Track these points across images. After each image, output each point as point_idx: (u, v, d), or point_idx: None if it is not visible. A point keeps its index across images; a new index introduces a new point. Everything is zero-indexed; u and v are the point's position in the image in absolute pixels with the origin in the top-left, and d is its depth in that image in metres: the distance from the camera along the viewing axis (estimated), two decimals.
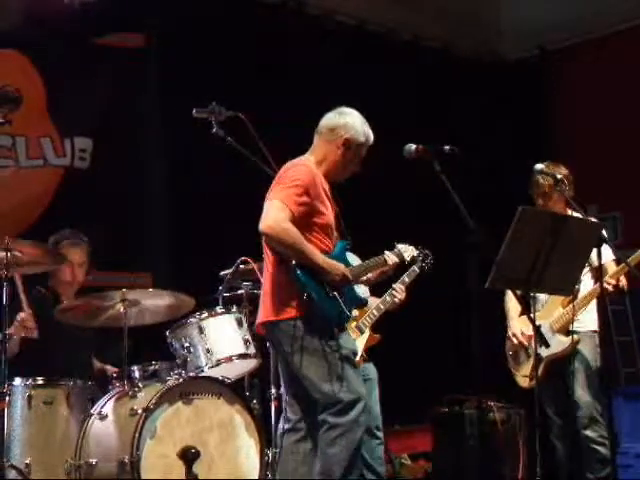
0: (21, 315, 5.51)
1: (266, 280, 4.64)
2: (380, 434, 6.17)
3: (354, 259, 6.05)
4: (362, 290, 5.82)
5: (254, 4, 7.72)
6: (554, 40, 9.08)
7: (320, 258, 4.51)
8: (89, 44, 7.08)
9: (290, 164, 4.67)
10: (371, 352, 6.17)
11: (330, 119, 4.76)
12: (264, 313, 4.63)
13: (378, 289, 6.27)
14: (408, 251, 5.52)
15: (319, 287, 4.49)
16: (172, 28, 7.23)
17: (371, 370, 6.19)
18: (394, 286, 6.16)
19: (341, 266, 4.61)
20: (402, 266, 6.01)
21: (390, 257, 5.20)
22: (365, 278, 5.24)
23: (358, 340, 6.09)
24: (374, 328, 6.16)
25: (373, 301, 6.22)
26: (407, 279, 6.16)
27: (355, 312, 6.12)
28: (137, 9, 7.12)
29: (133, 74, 7.29)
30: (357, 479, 4.59)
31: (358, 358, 6.06)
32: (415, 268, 6.16)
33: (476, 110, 8.67)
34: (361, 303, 5.12)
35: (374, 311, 6.14)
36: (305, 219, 4.52)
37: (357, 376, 4.62)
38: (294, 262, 4.46)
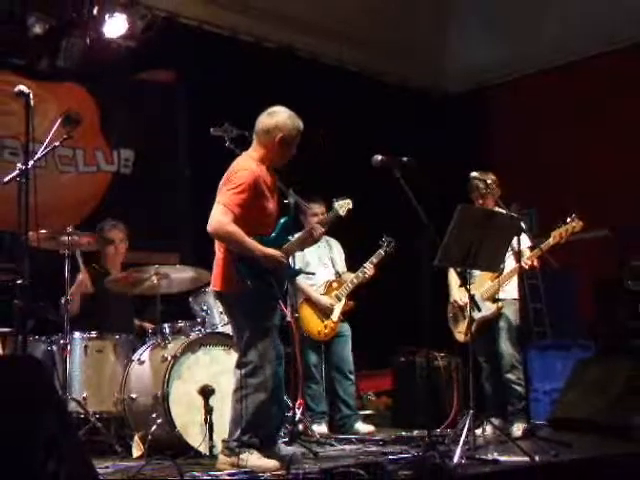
0: (79, 277, 5.57)
1: (218, 255, 4.35)
2: (352, 376, 6.19)
3: (339, 250, 6.09)
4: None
5: (258, 47, 7.71)
6: (488, 78, 9.04)
7: (258, 250, 4.18)
8: (132, 78, 7.08)
9: (234, 166, 4.33)
10: (345, 315, 6.20)
11: (263, 122, 4.35)
12: (214, 282, 4.39)
13: (352, 267, 6.30)
14: (344, 205, 5.26)
15: (258, 273, 4.20)
16: (195, 67, 7.22)
17: (346, 328, 6.22)
18: (365, 265, 6.17)
19: (276, 253, 4.24)
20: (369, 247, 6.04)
21: (317, 229, 4.66)
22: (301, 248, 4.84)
23: (337, 306, 6.12)
24: (349, 297, 6.18)
25: (348, 276, 6.24)
26: (375, 259, 6.17)
27: (335, 284, 6.14)
28: (168, 52, 7.10)
29: (166, 101, 7.28)
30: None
31: (336, 319, 6.09)
32: (381, 251, 6.19)
33: (427, 132, 8.62)
34: (296, 273, 4.90)
35: (349, 284, 6.16)
36: (247, 214, 4.20)
37: (273, 348, 4.26)
38: (235, 256, 4.21)
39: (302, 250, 5.05)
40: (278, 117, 4.34)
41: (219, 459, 4.31)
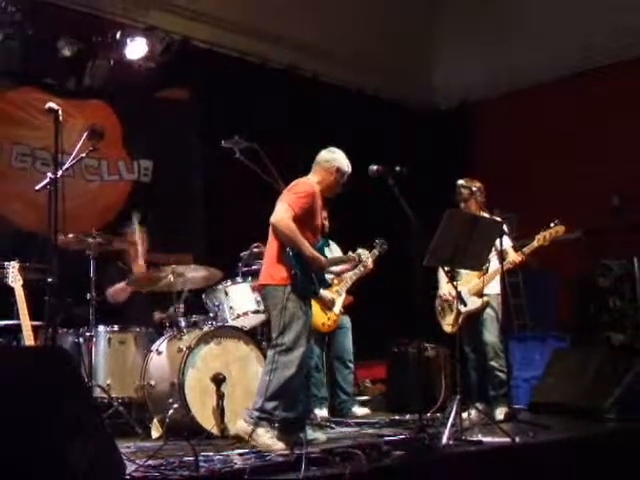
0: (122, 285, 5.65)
1: (270, 253, 4.55)
2: (351, 365, 6.20)
3: (335, 248, 6.10)
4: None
5: (264, 68, 7.71)
6: (473, 95, 9.03)
7: (308, 249, 4.44)
8: (151, 96, 7.09)
9: (300, 180, 4.64)
10: (346, 308, 6.20)
11: (326, 154, 4.75)
12: (264, 277, 4.56)
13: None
14: (364, 254, 5.50)
15: (303, 268, 4.44)
16: (207, 85, 7.24)
17: (346, 320, 6.23)
18: (361, 263, 6.17)
19: (321, 257, 4.55)
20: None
21: (351, 256, 5.28)
22: (336, 269, 5.39)
23: (337, 300, 6.12)
24: (348, 292, 6.19)
25: (347, 274, 6.24)
26: (370, 258, 6.17)
27: (335, 281, 6.15)
28: (183, 72, 7.11)
29: (181, 116, 7.29)
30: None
31: (337, 312, 6.09)
32: (375, 251, 6.19)
33: (419, 146, 8.61)
34: (327, 285, 4.99)
35: (348, 280, 6.17)
36: (303, 219, 4.47)
37: (305, 335, 4.45)
38: (289, 248, 4.42)
39: (336, 267, 5.41)
40: (337, 154, 4.77)
41: (238, 424, 4.40)
